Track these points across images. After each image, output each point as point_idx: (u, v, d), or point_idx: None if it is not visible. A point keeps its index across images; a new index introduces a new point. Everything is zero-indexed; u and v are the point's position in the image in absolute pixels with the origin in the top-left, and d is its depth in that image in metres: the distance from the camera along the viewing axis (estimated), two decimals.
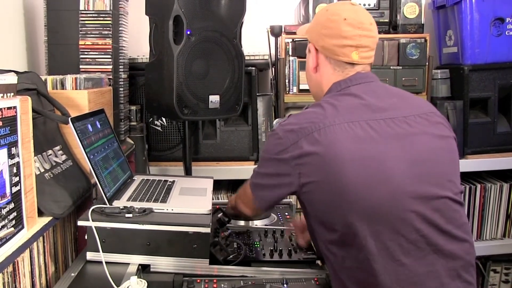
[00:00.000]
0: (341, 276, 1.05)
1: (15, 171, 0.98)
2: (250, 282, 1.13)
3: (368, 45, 1.14)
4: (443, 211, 1.02)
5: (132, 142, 1.95)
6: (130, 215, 1.16)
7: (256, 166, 1.17)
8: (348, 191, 0.99)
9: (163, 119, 2.11)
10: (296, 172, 1.04)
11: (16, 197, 0.98)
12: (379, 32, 2.16)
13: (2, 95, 0.98)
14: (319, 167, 1.01)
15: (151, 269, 1.16)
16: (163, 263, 1.16)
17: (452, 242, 1.02)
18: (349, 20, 1.12)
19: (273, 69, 2.23)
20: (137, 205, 1.22)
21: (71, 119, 1.19)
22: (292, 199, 1.73)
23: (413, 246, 0.99)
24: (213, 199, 1.57)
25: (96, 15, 1.69)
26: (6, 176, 0.94)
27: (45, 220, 1.10)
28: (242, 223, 1.53)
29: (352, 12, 1.14)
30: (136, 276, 1.02)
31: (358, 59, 1.13)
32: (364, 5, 2.16)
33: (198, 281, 1.13)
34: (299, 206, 2.18)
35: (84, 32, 1.70)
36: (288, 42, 2.13)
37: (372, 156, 1.00)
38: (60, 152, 1.30)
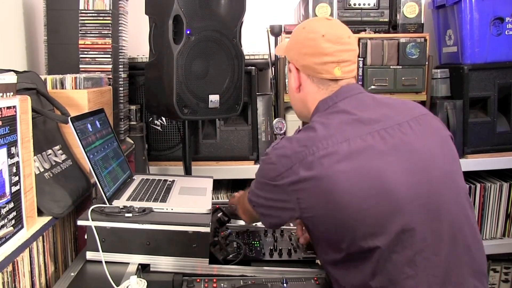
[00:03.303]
0: None
1: (14, 170, 0.98)
2: (250, 282, 1.13)
3: (349, 59, 1.12)
4: (449, 218, 1.00)
5: (132, 141, 1.95)
6: (130, 215, 1.16)
7: (253, 181, 1.15)
8: (349, 211, 0.97)
9: (163, 119, 2.11)
10: (294, 197, 1.02)
11: (16, 197, 0.98)
12: (379, 32, 2.19)
13: (1, 94, 0.98)
14: (317, 192, 0.99)
15: (151, 269, 1.16)
16: (162, 263, 1.16)
17: (460, 250, 1.00)
18: (328, 36, 1.10)
19: (273, 68, 2.23)
20: (137, 204, 1.22)
21: (70, 118, 1.19)
22: None
23: (419, 258, 0.97)
24: (213, 198, 1.56)
25: (96, 14, 1.69)
26: (5, 175, 0.94)
27: (45, 219, 1.10)
28: (242, 222, 1.53)
29: (330, 28, 1.12)
30: (136, 276, 1.02)
31: (341, 75, 1.11)
32: (364, 4, 2.16)
33: (198, 280, 1.13)
34: None
35: (84, 32, 1.70)
36: None
37: (369, 172, 0.98)
38: (60, 151, 1.30)
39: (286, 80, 2.15)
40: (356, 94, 1.12)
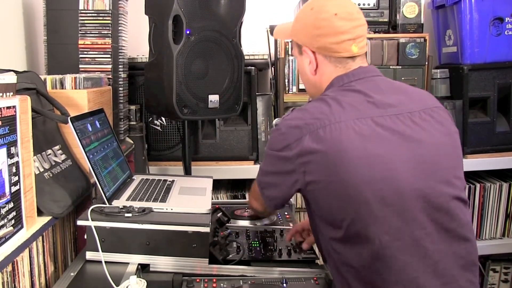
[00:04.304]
0: (345, 274, 1.05)
1: (14, 170, 0.98)
2: (249, 282, 1.13)
3: (363, 34, 1.13)
4: (447, 209, 1.02)
5: (132, 141, 1.95)
6: (130, 215, 1.16)
7: (261, 162, 1.15)
8: (353, 190, 0.98)
9: (163, 119, 2.11)
10: (301, 170, 1.03)
11: (16, 197, 0.98)
12: (379, 32, 2.19)
13: (1, 94, 0.98)
14: (324, 166, 1.00)
15: (151, 269, 1.16)
16: (162, 263, 1.16)
17: (455, 241, 1.02)
18: (340, 14, 1.10)
19: (272, 68, 2.23)
20: (137, 204, 1.22)
21: (70, 118, 1.19)
22: (292, 199, 1.73)
23: (417, 244, 0.99)
24: (212, 198, 1.57)
25: (95, 14, 1.69)
26: (5, 175, 0.94)
27: (45, 219, 1.10)
28: (242, 222, 1.53)
29: (339, 5, 1.11)
30: (136, 276, 1.02)
31: (358, 51, 1.12)
32: (364, 4, 2.16)
33: (198, 280, 1.13)
34: (298, 206, 2.19)
35: (84, 32, 1.70)
36: (287, 42, 2.13)
37: (377, 155, 0.99)
38: (60, 151, 1.30)
39: (286, 80, 2.15)
40: (373, 76, 1.12)
